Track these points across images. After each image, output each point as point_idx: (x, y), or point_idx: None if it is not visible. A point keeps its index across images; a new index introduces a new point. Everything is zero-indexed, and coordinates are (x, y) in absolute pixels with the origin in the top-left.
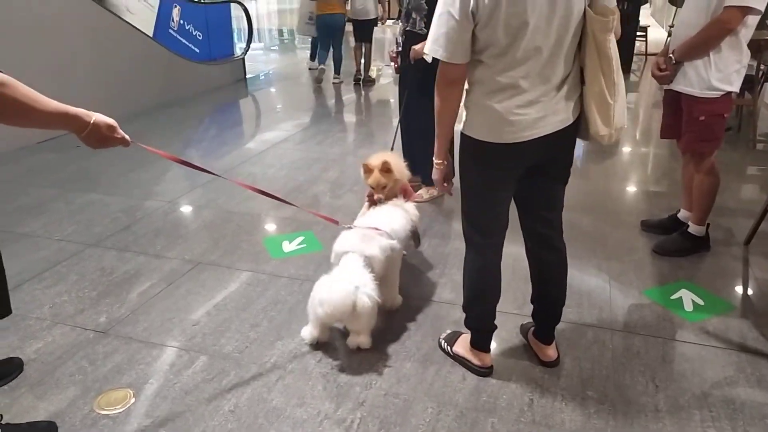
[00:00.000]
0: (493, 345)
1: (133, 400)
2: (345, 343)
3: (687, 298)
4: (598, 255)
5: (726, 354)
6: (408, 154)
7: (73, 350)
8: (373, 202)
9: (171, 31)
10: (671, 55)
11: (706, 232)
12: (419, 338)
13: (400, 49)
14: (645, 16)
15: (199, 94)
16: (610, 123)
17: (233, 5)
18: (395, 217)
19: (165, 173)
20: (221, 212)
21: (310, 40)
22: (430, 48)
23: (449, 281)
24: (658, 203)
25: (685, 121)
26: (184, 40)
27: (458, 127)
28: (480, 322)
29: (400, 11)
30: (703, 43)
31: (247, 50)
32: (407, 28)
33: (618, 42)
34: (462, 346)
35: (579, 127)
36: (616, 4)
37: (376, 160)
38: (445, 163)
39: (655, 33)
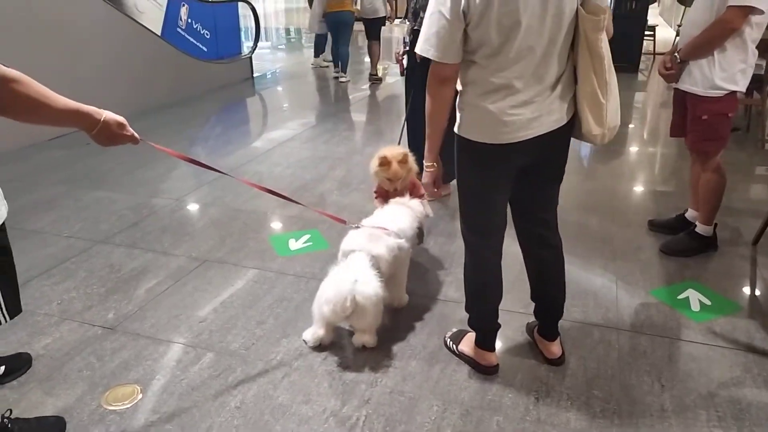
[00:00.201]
0: (499, 344)
1: (140, 395)
2: (350, 341)
3: (694, 298)
4: (604, 254)
5: (733, 354)
6: (414, 153)
7: (81, 346)
8: (384, 197)
9: (179, 29)
10: (676, 54)
11: (713, 232)
12: (425, 336)
13: (407, 48)
14: (653, 15)
15: (206, 93)
16: (602, 122)
17: (241, 4)
18: (402, 215)
19: (172, 171)
20: (228, 210)
21: (314, 38)
22: (422, 47)
23: (455, 280)
24: (665, 203)
25: (689, 120)
26: (191, 39)
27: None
28: (482, 322)
29: (407, 10)
30: (707, 43)
31: (255, 49)
32: (415, 27)
33: (626, 41)
34: (467, 345)
35: (573, 126)
36: (608, 3)
37: (392, 152)
38: (435, 165)
39: (664, 32)
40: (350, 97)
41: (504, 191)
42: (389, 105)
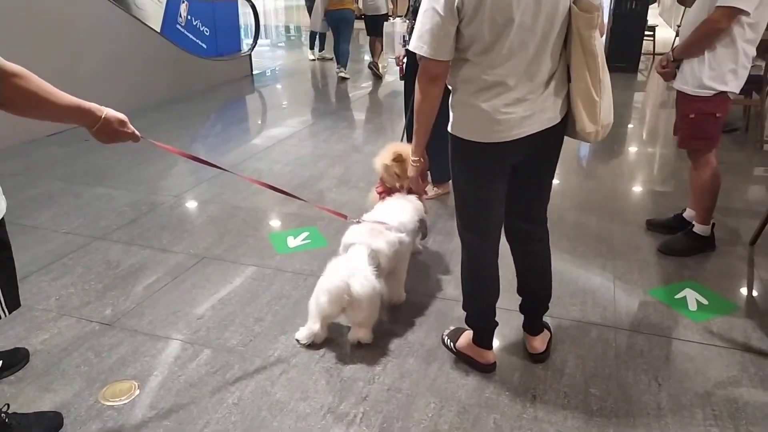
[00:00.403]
0: (497, 342)
1: (137, 391)
2: (347, 338)
3: (691, 297)
4: (603, 254)
5: (730, 354)
6: None
7: (79, 342)
8: (388, 193)
9: (178, 26)
10: (670, 53)
11: (711, 232)
12: (422, 334)
13: (406, 47)
14: (653, 15)
15: (205, 90)
16: (596, 120)
17: (240, 1)
18: (403, 209)
19: (171, 168)
20: (226, 207)
21: (315, 34)
22: (415, 45)
23: (453, 278)
24: (663, 203)
25: (678, 117)
26: (191, 36)
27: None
28: (480, 320)
29: (408, 9)
30: (696, 42)
31: (254, 46)
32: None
33: (625, 41)
34: (465, 343)
35: (567, 124)
36: (600, 1)
37: (405, 150)
38: (422, 160)
39: (663, 32)
40: (350, 95)
41: (499, 189)
42: (389, 103)
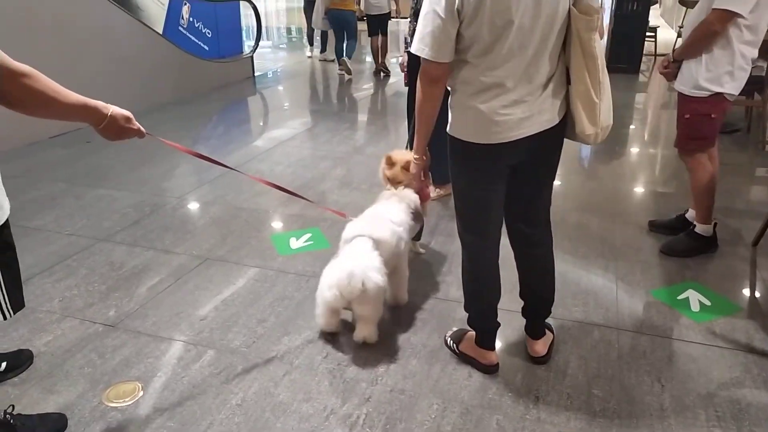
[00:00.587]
0: (499, 343)
1: (141, 393)
2: (351, 339)
3: (694, 298)
4: (605, 255)
5: (732, 355)
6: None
7: (83, 343)
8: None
9: (181, 28)
10: (671, 54)
11: (713, 232)
12: (425, 335)
13: (409, 49)
14: (655, 16)
15: (207, 92)
16: (596, 122)
17: (242, 3)
18: (396, 208)
19: (174, 169)
20: (229, 209)
21: (312, 32)
22: (416, 47)
23: (456, 279)
24: (666, 204)
25: (677, 117)
26: (193, 38)
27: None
28: (482, 321)
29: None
30: (693, 43)
31: (256, 48)
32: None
33: (627, 42)
34: (467, 344)
35: (566, 126)
36: (600, 3)
37: (400, 156)
38: (423, 158)
39: (665, 33)
40: (352, 96)
41: (497, 190)
42: (391, 104)
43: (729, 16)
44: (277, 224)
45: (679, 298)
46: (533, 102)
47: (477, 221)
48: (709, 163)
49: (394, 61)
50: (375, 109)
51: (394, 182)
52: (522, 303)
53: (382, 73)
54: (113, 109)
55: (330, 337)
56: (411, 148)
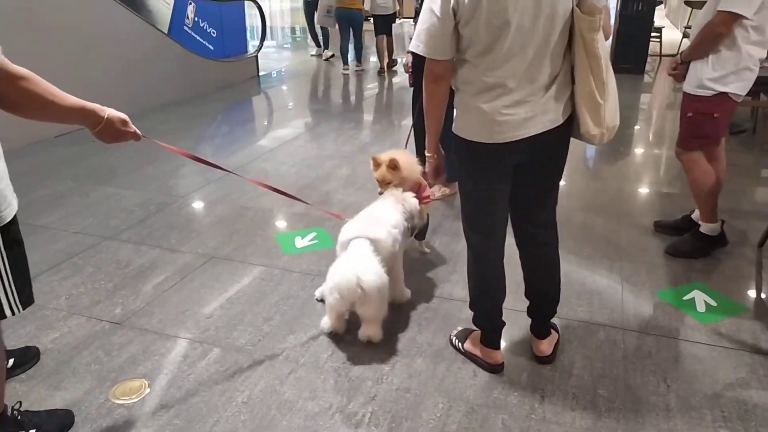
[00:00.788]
0: (505, 342)
1: (147, 390)
2: (356, 337)
3: (700, 299)
4: (610, 255)
5: (738, 355)
6: (420, 154)
7: (89, 341)
8: (417, 191)
9: (186, 28)
10: (679, 55)
11: (720, 230)
12: (431, 335)
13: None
14: (660, 17)
15: (212, 91)
16: (600, 123)
17: (247, 3)
18: (390, 210)
19: (179, 168)
20: (234, 207)
21: (314, 30)
22: (413, 43)
23: (461, 278)
24: (671, 204)
25: (680, 115)
26: (198, 37)
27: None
28: (487, 320)
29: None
30: (699, 45)
31: (260, 48)
32: None
33: (632, 42)
34: (473, 343)
35: (571, 126)
36: (604, 3)
37: (384, 156)
38: (436, 156)
39: (670, 34)
40: (356, 95)
41: (502, 190)
42: (396, 104)
43: (733, 18)
44: (282, 223)
45: (685, 298)
46: (536, 102)
47: (482, 221)
48: (705, 161)
49: (400, 60)
50: (380, 108)
51: (383, 183)
52: (527, 302)
53: (387, 68)
54: (110, 112)
55: (335, 335)
56: (408, 147)
